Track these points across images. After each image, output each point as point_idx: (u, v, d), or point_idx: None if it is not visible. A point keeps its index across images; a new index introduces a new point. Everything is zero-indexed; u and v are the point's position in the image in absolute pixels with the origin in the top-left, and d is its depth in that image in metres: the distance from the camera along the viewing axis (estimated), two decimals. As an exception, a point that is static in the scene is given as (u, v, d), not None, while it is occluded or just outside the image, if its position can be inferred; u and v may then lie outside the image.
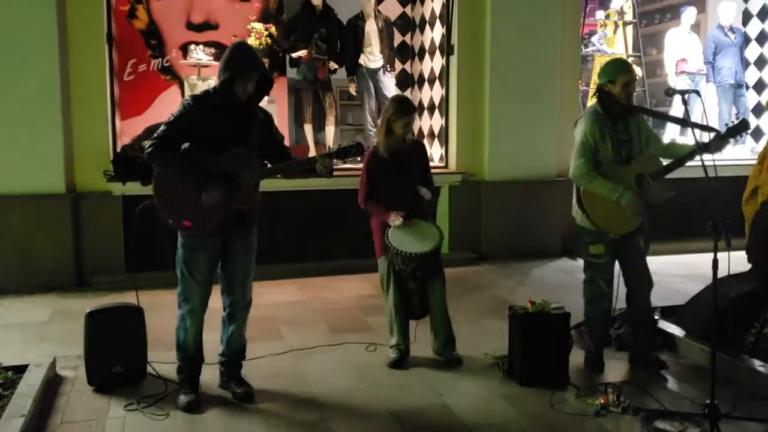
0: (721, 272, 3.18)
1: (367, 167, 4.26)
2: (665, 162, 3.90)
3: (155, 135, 3.45)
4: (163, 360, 3.98)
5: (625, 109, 3.84)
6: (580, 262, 7.04)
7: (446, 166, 7.42)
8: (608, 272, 4.00)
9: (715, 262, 3.12)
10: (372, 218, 4.34)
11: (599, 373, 4.01)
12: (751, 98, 9.28)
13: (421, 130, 8.41)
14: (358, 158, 4.19)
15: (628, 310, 4.19)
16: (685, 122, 4.54)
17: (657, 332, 4.30)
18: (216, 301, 3.74)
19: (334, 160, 3.57)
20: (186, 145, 3.43)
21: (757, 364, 3.92)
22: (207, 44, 7.05)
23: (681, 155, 3.80)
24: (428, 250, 3.97)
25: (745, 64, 9.21)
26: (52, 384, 3.83)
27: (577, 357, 4.12)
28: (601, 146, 3.84)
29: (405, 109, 4.18)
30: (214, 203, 3.45)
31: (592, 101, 8.67)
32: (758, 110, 9.15)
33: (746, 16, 9.49)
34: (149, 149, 3.42)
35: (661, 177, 3.82)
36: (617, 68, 3.86)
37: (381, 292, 4.33)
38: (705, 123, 3.95)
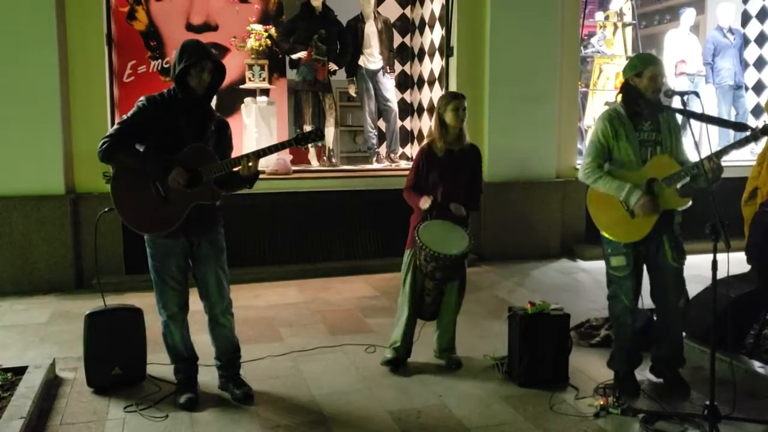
0: (721, 273, 3.17)
1: (418, 162, 4.20)
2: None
3: (108, 133, 3.44)
4: (162, 361, 3.97)
5: (652, 106, 3.60)
6: (580, 263, 7.16)
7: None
8: (631, 286, 3.68)
9: (715, 263, 3.12)
10: (414, 212, 4.24)
11: (635, 398, 3.70)
12: (750, 99, 9.29)
13: (421, 132, 8.41)
14: (319, 143, 3.98)
15: (656, 328, 3.90)
16: (734, 125, 4.43)
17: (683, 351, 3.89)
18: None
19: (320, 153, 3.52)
20: (141, 148, 3.45)
21: (757, 365, 3.93)
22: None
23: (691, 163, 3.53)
24: (452, 253, 3.88)
25: (744, 65, 9.22)
26: (52, 385, 3.83)
27: (576, 358, 4.12)
28: (615, 146, 3.63)
29: (453, 94, 4.22)
30: (176, 190, 3.39)
31: (592, 101, 8.78)
32: (757, 111, 9.15)
33: (745, 18, 9.50)
34: (102, 146, 3.38)
35: (676, 182, 3.52)
36: (643, 60, 3.64)
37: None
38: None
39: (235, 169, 3.50)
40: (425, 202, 4.03)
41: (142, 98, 3.52)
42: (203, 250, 3.60)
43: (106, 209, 3.75)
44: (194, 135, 3.50)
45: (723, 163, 3.49)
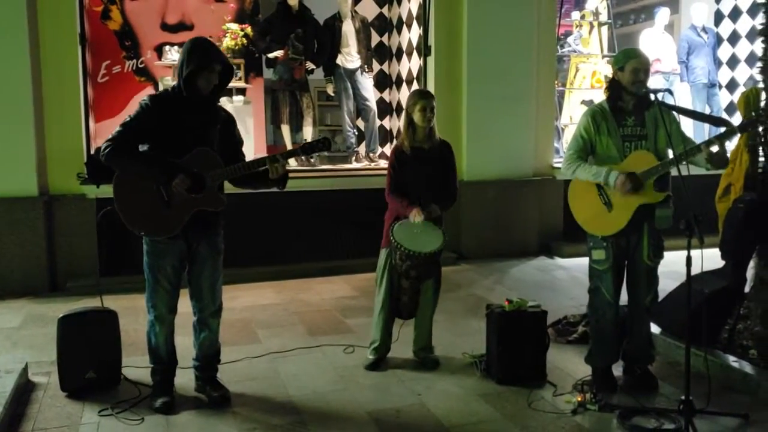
0: (695, 269, 3.19)
1: (392, 164, 4.19)
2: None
3: (111, 136, 3.37)
4: (137, 364, 3.93)
5: (637, 99, 3.62)
6: (558, 260, 7.20)
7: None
8: (612, 280, 3.70)
9: (689, 259, 3.14)
10: (387, 210, 4.22)
11: (612, 394, 3.71)
12: (723, 97, 9.41)
13: (400, 131, 8.40)
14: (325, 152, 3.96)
15: (627, 325, 3.87)
16: (713, 119, 4.42)
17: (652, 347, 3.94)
18: (189, 304, 3.69)
19: (304, 158, 3.47)
20: (145, 147, 3.38)
21: (731, 359, 3.97)
22: (182, 45, 6.95)
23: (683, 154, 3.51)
24: (426, 251, 3.89)
25: (718, 63, 9.34)
26: (24, 390, 3.76)
27: (554, 355, 4.13)
28: (598, 141, 3.66)
29: (421, 93, 4.18)
30: (179, 196, 3.35)
31: (568, 100, 8.83)
32: (731, 109, 9.28)
33: (718, 17, 9.63)
34: (105, 150, 3.32)
35: (653, 176, 3.53)
36: (626, 54, 3.69)
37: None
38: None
39: (261, 169, 3.47)
40: (416, 216, 3.97)
41: (145, 97, 3.46)
42: (201, 252, 3.56)
43: (107, 209, 3.67)
44: (199, 135, 3.44)
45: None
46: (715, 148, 3.48)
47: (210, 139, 3.48)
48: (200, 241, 3.54)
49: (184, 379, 3.80)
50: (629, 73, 3.60)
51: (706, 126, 8.40)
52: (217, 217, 3.60)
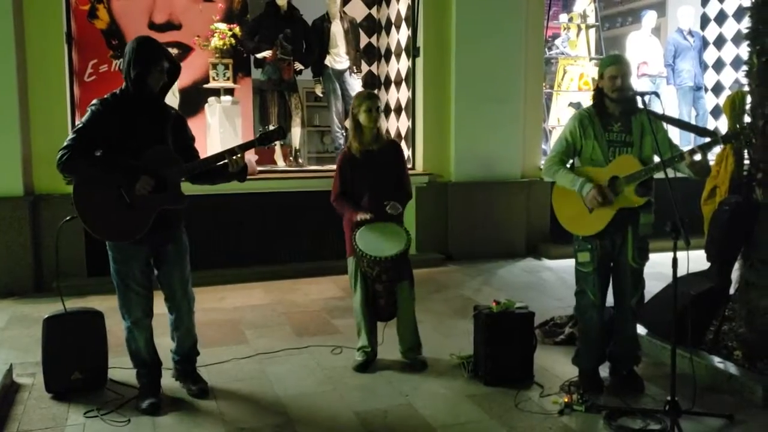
0: (681, 271, 3.21)
1: (339, 167, 4.21)
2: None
3: (65, 144, 3.30)
4: (125, 365, 3.89)
5: (623, 106, 3.63)
6: (545, 261, 7.23)
7: (413, 168, 7.43)
8: (597, 282, 3.72)
9: (675, 261, 3.16)
10: (344, 218, 4.27)
11: (599, 395, 3.72)
12: (709, 100, 9.49)
13: (388, 132, 8.41)
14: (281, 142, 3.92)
15: (614, 324, 3.88)
16: (699, 130, 4.41)
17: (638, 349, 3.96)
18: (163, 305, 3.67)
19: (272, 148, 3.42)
20: (98, 152, 3.35)
21: (716, 360, 4.00)
22: (169, 44, 6.93)
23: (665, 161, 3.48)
24: (392, 254, 3.91)
25: (704, 67, 9.41)
26: (9, 392, 3.73)
27: (541, 356, 4.15)
28: (584, 145, 3.68)
29: (366, 95, 4.18)
30: (142, 197, 3.32)
31: (556, 102, 8.88)
32: (716, 112, 9.36)
33: (704, 21, 9.71)
34: (62, 158, 3.24)
35: (636, 180, 3.54)
36: (603, 62, 3.75)
37: (350, 292, 4.30)
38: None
39: (220, 163, 3.47)
40: (363, 215, 4.01)
41: (94, 101, 3.41)
42: (169, 252, 3.54)
43: (68, 218, 3.60)
44: (152, 134, 3.42)
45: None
46: (697, 157, 3.50)
47: (164, 138, 3.46)
48: (166, 243, 3.52)
49: (171, 380, 3.79)
50: (607, 80, 3.65)
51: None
52: (179, 214, 3.57)
